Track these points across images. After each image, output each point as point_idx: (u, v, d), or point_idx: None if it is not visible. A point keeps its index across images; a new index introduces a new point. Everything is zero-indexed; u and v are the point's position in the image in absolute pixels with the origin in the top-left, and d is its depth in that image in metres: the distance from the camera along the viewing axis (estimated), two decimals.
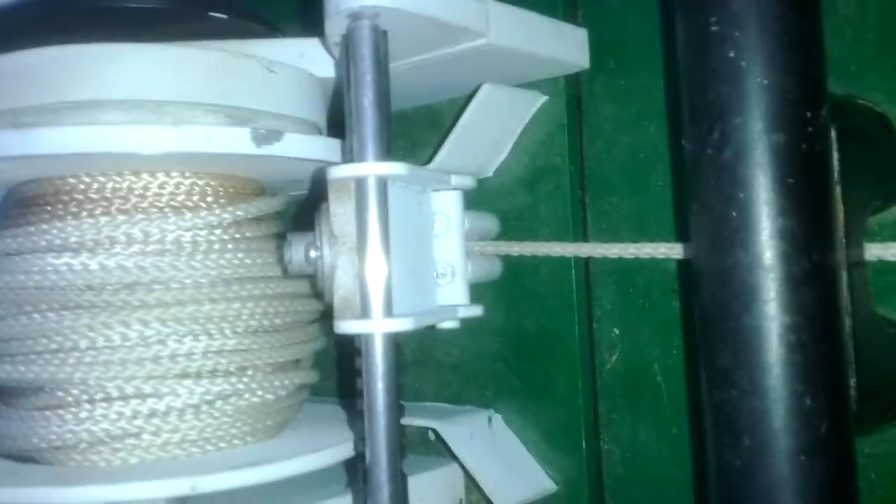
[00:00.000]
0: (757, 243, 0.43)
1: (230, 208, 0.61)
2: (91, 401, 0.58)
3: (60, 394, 0.58)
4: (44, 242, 0.58)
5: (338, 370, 0.79)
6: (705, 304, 0.45)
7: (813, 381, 0.42)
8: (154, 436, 0.59)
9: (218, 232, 0.61)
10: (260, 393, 0.62)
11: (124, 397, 0.58)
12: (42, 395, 0.59)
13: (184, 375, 0.59)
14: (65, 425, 0.57)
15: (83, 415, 0.58)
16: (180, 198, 0.60)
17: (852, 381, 0.46)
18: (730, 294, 0.43)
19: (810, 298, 0.43)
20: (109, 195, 0.59)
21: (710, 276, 0.44)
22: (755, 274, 0.43)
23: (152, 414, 0.58)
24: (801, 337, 0.42)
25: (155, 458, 0.59)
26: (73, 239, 0.58)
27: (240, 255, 0.61)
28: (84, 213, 0.58)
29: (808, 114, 0.43)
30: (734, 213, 0.43)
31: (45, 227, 0.58)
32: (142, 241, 0.58)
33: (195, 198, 0.61)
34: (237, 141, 0.57)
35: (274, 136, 0.57)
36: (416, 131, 0.76)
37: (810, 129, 0.43)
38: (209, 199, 0.61)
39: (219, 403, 0.60)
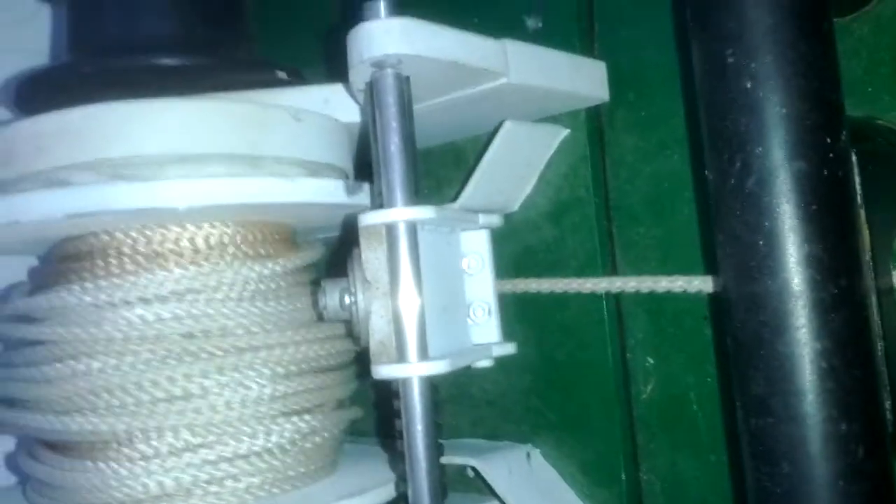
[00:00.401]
0: (785, 271, 0.43)
1: (290, 256, 0.65)
2: (188, 447, 0.60)
3: (155, 443, 0.60)
4: (120, 294, 0.60)
5: (375, 409, 0.80)
6: (737, 332, 0.45)
7: (847, 406, 0.43)
8: (240, 480, 0.61)
9: (278, 278, 0.64)
10: (329, 429, 0.65)
11: (209, 443, 0.60)
12: (131, 445, 0.60)
13: (269, 417, 0.62)
14: (155, 474, 0.59)
15: (179, 461, 0.59)
16: (230, 249, 0.63)
17: (887, 404, 0.46)
18: (760, 322, 0.44)
19: (840, 323, 0.43)
20: (158, 248, 0.61)
21: (740, 305, 0.45)
22: (785, 301, 0.43)
23: (238, 457, 0.60)
24: (833, 362, 0.43)
25: (240, 500, 0.61)
26: (139, 292, 0.60)
27: (303, 300, 0.65)
28: (142, 267, 0.60)
29: (828, 139, 0.44)
30: (761, 242, 0.44)
31: (110, 280, 0.60)
32: (216, 290, 0.61)
33: (244, 246, 0.63)
34: (337, 192, 0.62)
35: (358, 187, 0.64)
36: (440, 169, 0.77)
37: (831, 154, 0.44)
38: (260, 247, 0.64)
39: (298, 442, 0.63)
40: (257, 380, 0.61)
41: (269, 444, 0.61)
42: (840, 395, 0.42)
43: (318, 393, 0.64)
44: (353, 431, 0.75)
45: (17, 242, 0.66)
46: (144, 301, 0.60)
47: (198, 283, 0.60)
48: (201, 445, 0.60)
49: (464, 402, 0.76)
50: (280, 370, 0.62)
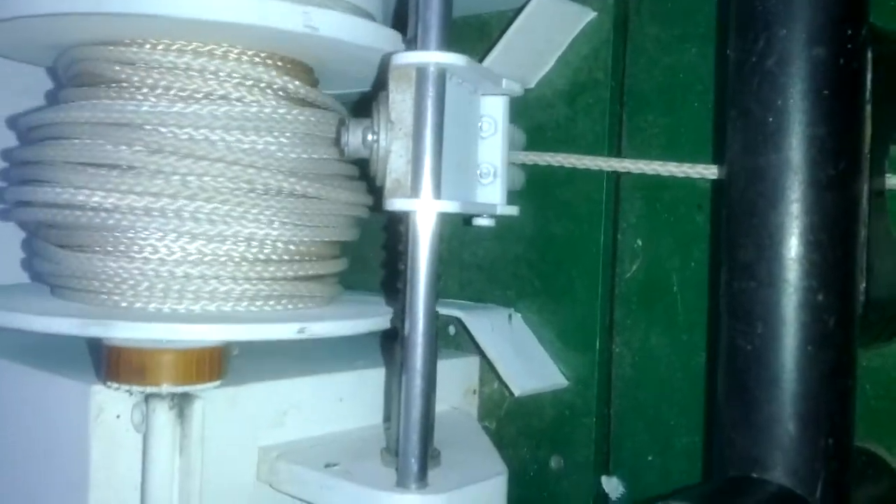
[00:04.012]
0: (788, 147, 0.46)
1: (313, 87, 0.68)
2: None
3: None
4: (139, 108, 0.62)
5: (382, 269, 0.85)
6: (734, 201, 0.49)
7: (826, 279, 0.46)
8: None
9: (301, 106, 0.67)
10: (330, 263, 0.70)
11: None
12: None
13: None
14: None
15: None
16: (254, 74, 0.65)
17: (862, 286, 0.50)
18: (758, 192, 0.47)
19: (832, 202, 0.46)
20: (183, 64, 0.63)
21: (741, 175, 0.48)
22: (784, 175, 0.46)
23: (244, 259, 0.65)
24: (821, 237, 0.46)
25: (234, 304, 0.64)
26: (160, 106, 0.62)
27: (324, 132, 0.67)
28: (167, 83, 0.63)
29: (849, 31, 0.47)
30: (770, 118, 0.47)
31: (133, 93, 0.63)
32: (245, 117, 0.63)
33: (272, 72, 0.65)
34: (369, 32, 0.65)
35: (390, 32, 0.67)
36: (464, 40, 0.78)
37: (849, 45, 0.47)
38: (286, 77, 0.66)
39: (304, 262, 0.67)
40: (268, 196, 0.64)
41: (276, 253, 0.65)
42: (822, 268, 0.46)
43: (324, 218, 0.67)
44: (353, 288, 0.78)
45: (39, 45, 0.68)
46: (164, 114, 0.62)
47: (221, 108, 0.62)
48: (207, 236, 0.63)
49: (454, 265, 0.79)
50: (288, 186, 0.65)
